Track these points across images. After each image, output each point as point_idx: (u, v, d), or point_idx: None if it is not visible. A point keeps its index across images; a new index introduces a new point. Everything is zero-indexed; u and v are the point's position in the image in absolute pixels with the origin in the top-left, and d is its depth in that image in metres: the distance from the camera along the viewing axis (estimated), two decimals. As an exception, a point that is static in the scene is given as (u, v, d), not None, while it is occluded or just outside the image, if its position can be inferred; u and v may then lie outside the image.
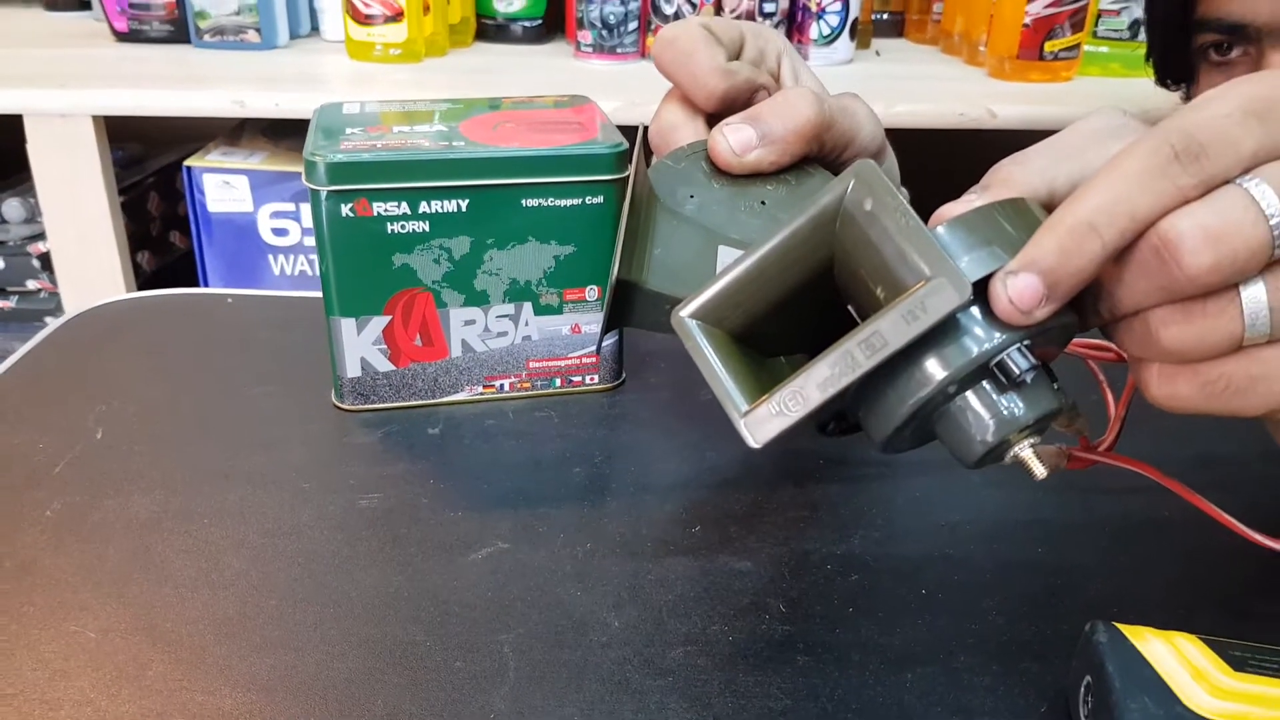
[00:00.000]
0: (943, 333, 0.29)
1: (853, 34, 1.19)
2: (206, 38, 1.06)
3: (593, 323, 0.48)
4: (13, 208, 1.04)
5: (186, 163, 0.91)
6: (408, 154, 0.43)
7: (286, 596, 0.36)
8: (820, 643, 0.34)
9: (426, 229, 0.44)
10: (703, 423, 0.47)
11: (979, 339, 0.29)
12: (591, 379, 0.49)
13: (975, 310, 0.29)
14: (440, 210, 0.44)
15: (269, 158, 0.91)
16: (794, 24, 1.19)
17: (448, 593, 0.36)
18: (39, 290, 1.03)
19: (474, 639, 0.34)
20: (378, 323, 0.46)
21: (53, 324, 0.56)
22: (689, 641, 0.34)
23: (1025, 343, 0.29)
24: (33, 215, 1.05)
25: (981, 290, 0.29)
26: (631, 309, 0.35)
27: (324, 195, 0.43)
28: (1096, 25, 1.17)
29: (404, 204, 0.43)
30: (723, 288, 0.32)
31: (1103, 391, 0.39)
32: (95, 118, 0.88)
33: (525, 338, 0.47)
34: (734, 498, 0.42)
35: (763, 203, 0.36)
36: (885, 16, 1.39)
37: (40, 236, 1.00)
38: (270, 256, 0.93)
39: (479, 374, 0.48)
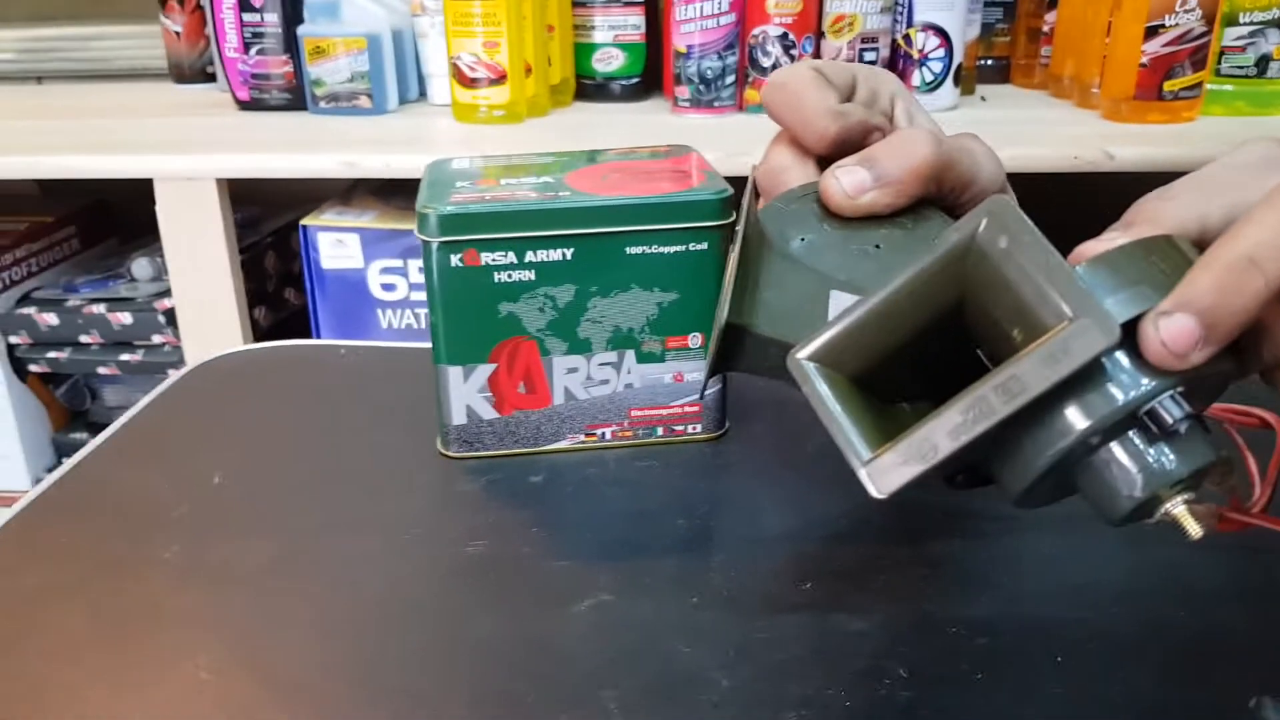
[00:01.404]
0: (1087, 378, 0.27)
1: (956, 80, 1.18)
2: (322, 104, 1.11)
3: (695, 370, 0.47)
4: (142, 267, 1.10)
5: (302, 221, 0.95)
6: (514, 205, 0.43)
7: (395, 644, 0.35)
8: (947, 711, 0.32)
9: (532, 278, 0.44)
10: (810, 473, 0.45)
11: (1127, 385, 0.27)
12: (694, 428, 0.48)
13: (1123, 355, 0.27)
14: (546, 259, 0.44)
15: (379, 216, 0.94)
16: (896, 71, 1.18)
17: (553, 644, 0.35)
18: (163, 344, 1.08)
19: (579, 693, 0.33)
20: (483, 371, 0.46)
21: (175, 375, 0.58)
22: (804, 705, 0.32)
23: (1179, 389, 0.27)
24: (159, 274, 1.10)
25: (1129, 334, 0.27)
26: (738, 354, 0.34)
27: (435, 246, 0.43)
28: (1219, 63, 1.12)
29: (511, 253, 0.44)
30: (844, 329, 0.31)
31: (1241, 451, 0.36)
32: (219, 180, 0.92)
33: (627, 385, 0.47)
34: (846, 553, 0.40)
35: (877, 246, 0.35)
36: (990, 62, 1.37)
37: (166, 293, 1.06)
38: (379, 310, 0.96)
39: (581, 422, 0.47)
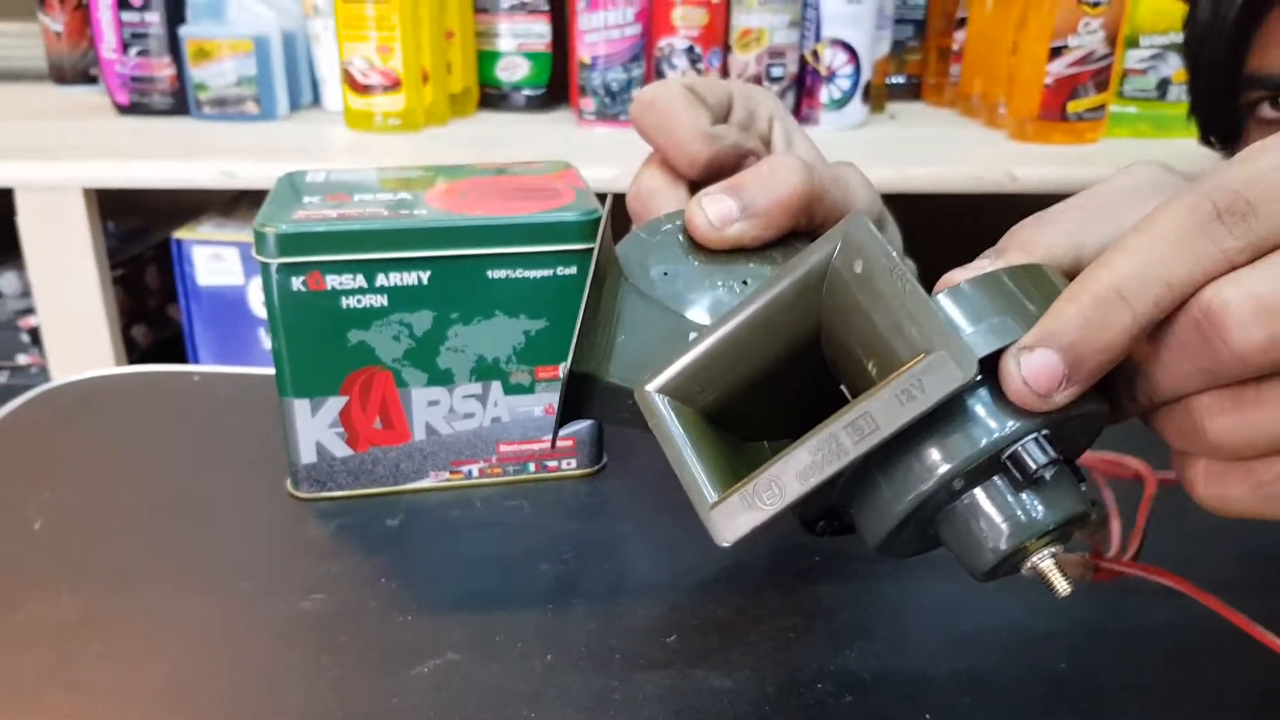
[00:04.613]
0: (945, 417, 0.24)
1: (865, 97, 1.17)
2: (206, 109, 1.06)
3: (569, 402, 0.44)
4: (9, 281, 1.03)
5: (175, 235, 0.90)
6: (362, 224, 0.39)
7: (207, 715, 0.31)
8: (808, 782, 0.29)
9: (385, 303, 0.41)
10: (686, 515, 0.41)
11: (988, 427, 0.24)
12: (569, 464, 0.45)
13: (985, 392, 0.25)
14: (399, 283, 0.40)
15: (264, 228, 0.90)
16: (803, 88, 1.17)
17: (384, 714, 0.32)
18: (29, 365, 1.02)
19: (408, 774, 0.29)
20: (334, 404, 0.42)
21: (11, 403, 0.53)
22: (655, 778, 0.29)
23: (1043, 433, 0.25)
24: (26, 289, 1.03)
25: (992, 370, 0.24)
26: (589, 403, 0.31)
27: (274, 268, 0.40)
28: (1122, 85, 1.14)
29: (360, 276, 0.40)
30: (694, 359, 0.28)
31: (1107, 505, 0.34)
32: (86, 190, 0.87)
33: (494, 419, 0.44)
34: (718, 602, 0.37)
35: (745, 283, 0.33)
36: (902, 80, 1.37)
37: (33, 310, 0.99)
38: (261, 330, 0.91)
39: (445, 459, 0.44)
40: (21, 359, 1.01)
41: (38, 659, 0.34)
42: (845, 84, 1.15)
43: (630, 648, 0.35)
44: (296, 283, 0.40)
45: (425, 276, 0.40)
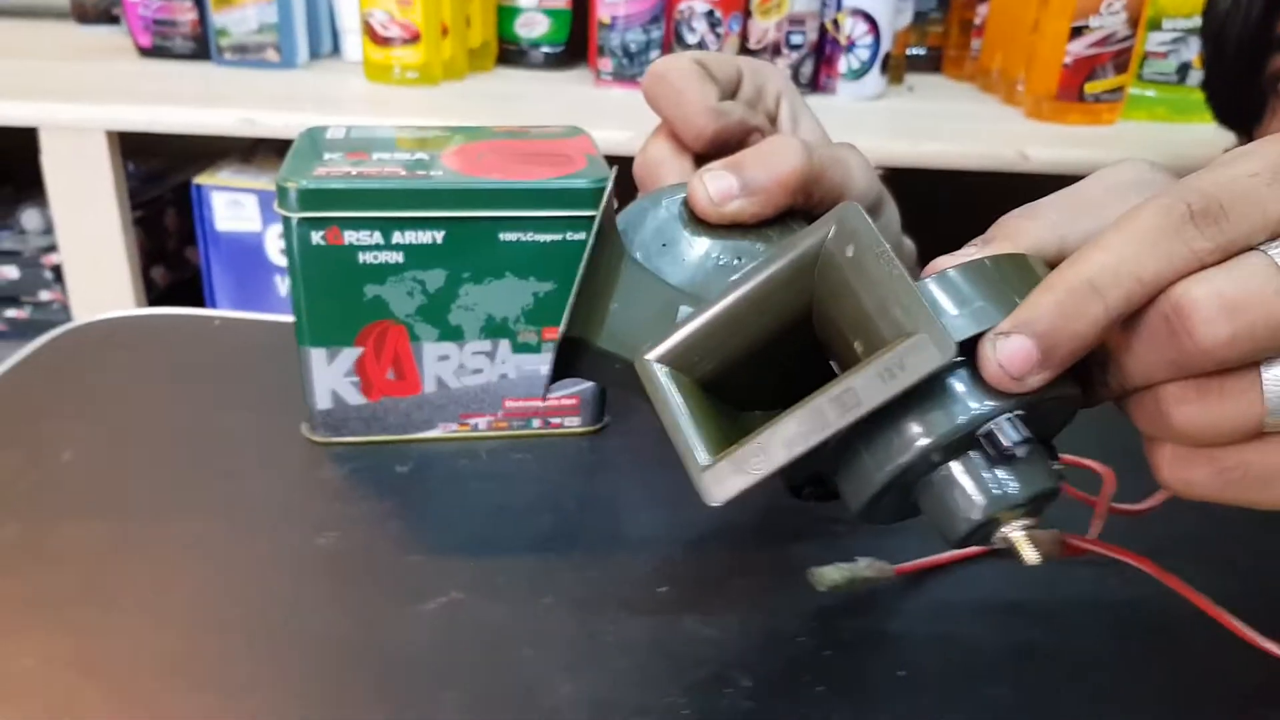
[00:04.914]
0: (926, 395, 0.26)
1: (884, 69, 1.17)
2: (227, 55, 1.06)
3: (575, 362, 0.46)
4: (31, 218, 1.05)
5: (195, 180, 0.91)
6: (380, 183, 0.41)
7: (230, 635, 0.34)
8: (783, 724, 0.31)
9: (400, 260, 0.42)
10: (684, 475, 0.44)
11: (965, 405, 0.26)
12: (572, 421, 0.47)
13: (964, 373, 0.26)
14: (414, 241, 0.42)
15: (282, 177, 0.91)
16: (822, 57, 1.17)
17: (394, 644, 0.34)
18: (51, 301, 1.04)
19: (415, 695, 0.32)
20: (349, 354, 0.44)
21: (37, 341, 0.55)
22: (641, 712, 0.31)
23: (1017, 413, 0.26)
24: (50, 227, 1.05)
25: (971, 353, 0.26)
26: (579, 364, 0.33)
27: (295, 222, 0.41)
28: (1142, 68, 1.14)
29: (376, 233, 0.42)
30: (693, 332, 0.30)
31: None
32: (109, 133, 0.88)
33: (502, 376, 0.45)
34: (709, 557, 0.39)
35: (739, 259, 0.34)
36: (923, 52, 1.37)
37: (55, 248, 1.01)
38: (277, 277, 0.93)
39: (453, 411, 0.46)
40: (44, 295, 1.03)
41: (69, 579, 0.36)
42: (864, 54, 1.15)
43: (624, 595, 0.37)
44: (316, 237, 0.41)
45: (440, 236, 0.42)
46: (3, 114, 0.88)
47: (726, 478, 0.27)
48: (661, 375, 0.30)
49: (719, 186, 0.34)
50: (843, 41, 1.14)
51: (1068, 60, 1.07)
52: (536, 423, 0.47)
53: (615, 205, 0.35)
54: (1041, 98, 1.11)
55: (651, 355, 0.30)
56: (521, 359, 0.45)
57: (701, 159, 0.38)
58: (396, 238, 0.42)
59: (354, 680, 0.32)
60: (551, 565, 0.38)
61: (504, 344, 0.45)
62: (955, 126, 1.08)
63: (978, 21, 1.29)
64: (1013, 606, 0.37)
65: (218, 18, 1.05)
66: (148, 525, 0.39)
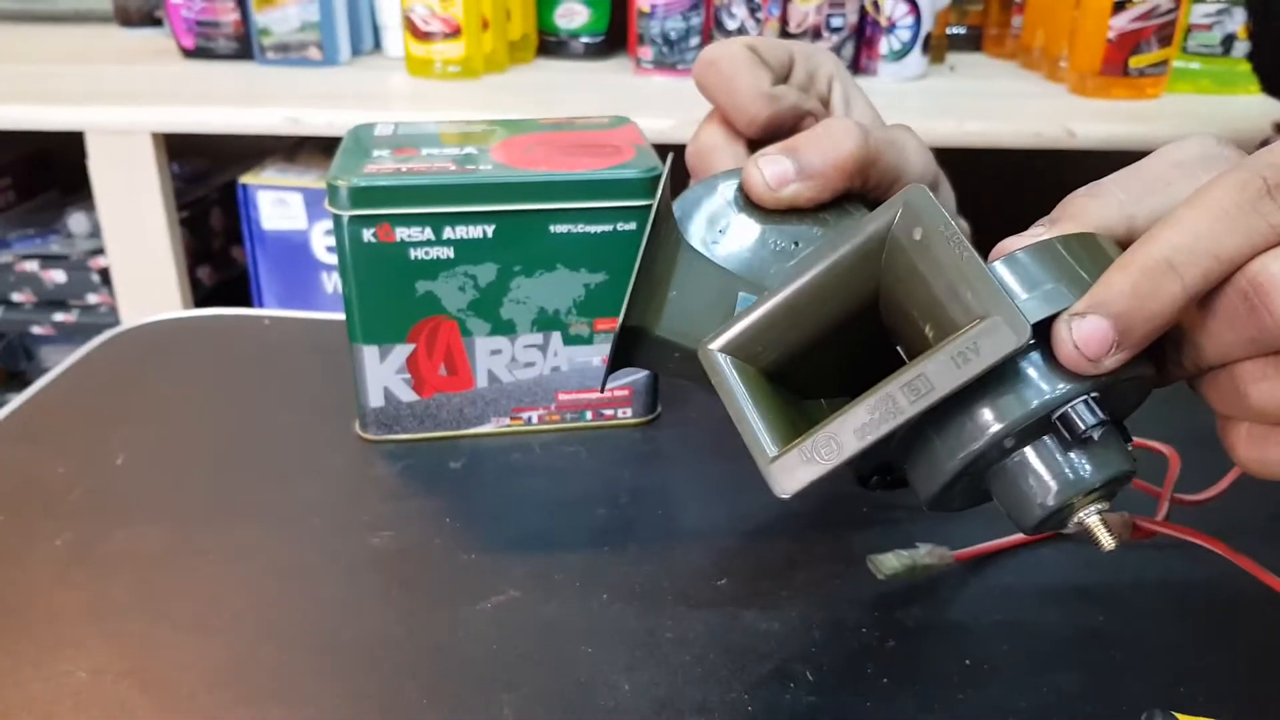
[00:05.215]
0: (999, 379, 0.25)
1: (925, 49, 1.15)
2: (270, 55, 1.07)
3: (625, 354, 0.46)
4: (79, 221, 1.06)
5: (241, 179, 0.92)
6: (430, 179, 0.41)
7: (283, 643, 0.34)
8: (849, 717, 0.31)
9: (451, 255, 0.42)
10: (738, 464, 0.43)
11: (1039, 389, 0.25)
12: (624, 413, 0.47)
13: (1037, 356, 0.26)
14: (465, 236, 0.42)
15: (324, 175, 0.92)
16: (863, 39, 1.15)
17: (450, 645, 0.34)
18: (99, 304, 1.05)
19: (472, 698, 0.32)
20: (401, 351, 0.44)
21: (88, 345, 0.56)
22: (703, 710, 0.31)
23: (1093, 395, 0.25)
24: (97, 230, 1.07)
25: (1044, 335, 0.25)
26: (638, 353, 0.33)
27: (346, 220, 0.41)
28: (1186, 40, 1.11)
29: (427, 229, 0.42)
30: (757, 320, 0.29)
31: None
32: (155, 135, 0.89)
33: (554, 369, 0.45)
34: (767, 548, 0.39)
35: (796, 243, 0.34)
36: (963, 31, 1.34)
37: (102, 251, 1.02)
38: (324, 274, 0.93)
39: (506, 405, 0.46)
40: (91, 298, 1.05)
41: (122, 588, 0.36)
42: (905, 35, 1.13)
43: (681, 589, 0.36)
44: (367, 234, 0.41)
45: (490, 230, 0.42)
46: (49, 119, 0.90)
47: (796, 468, 0.27)
48: (726, 365, 0.29)
49: (775, 171, 0.33)
50: (883, 23, 1.13)
51: (1111, 35, 1.05)
52: (589, 415, 0.47)
53: (670, 192, 0.34)
54: (1085, 73, 1.08)
55: (715, 345, 0.29)
56: (573, 351, 0.45)
57: (755, 145, 0.37)
58: (447, 233, 0.42)
59: (409, 684, 0.32)
60: (606, 560, 0.38)
61: (556, 336, 0.44)
62: (999, 105, 1.06)
63: (1019, -2, 1.26)
64: (1077, 591, 0.36)
65: (260, 17, 1.06)
66: (200, 531, 0.39)
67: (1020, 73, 1.23)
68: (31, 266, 1.04)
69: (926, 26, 1.14)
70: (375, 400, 0.45)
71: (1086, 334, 0.24)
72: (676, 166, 0.38)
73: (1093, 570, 0.37)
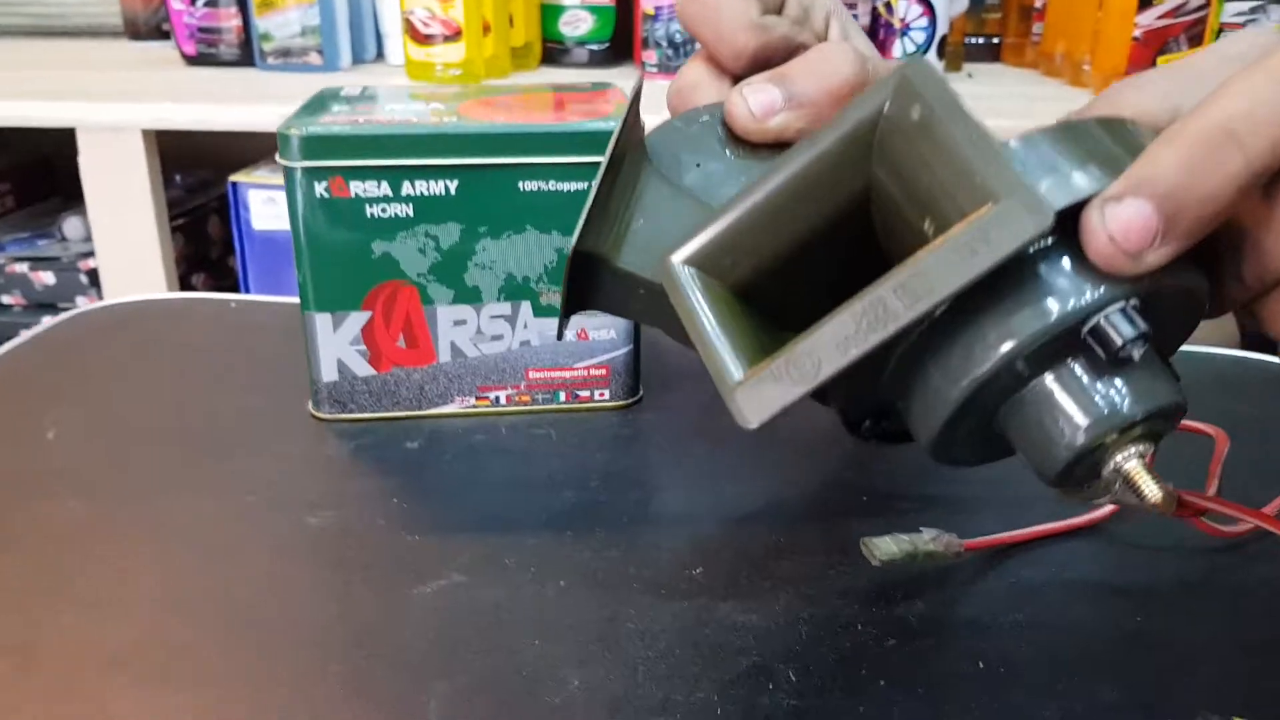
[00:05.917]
0: (1014, 284, 0.21)
1: (940, 52, 1.12)
2: (271, 60, 1.06)
3: (603, 328, 0.42)
4: (74, 226, 1.04)
5: (232, 178, 0.89)
6: (388, 129, 0.37)
7: (192, 622, 0.30)
8: (835, 723, 0.26)
9: (410, 213, 0.39)
10: (724, 450, 0.39)
11: (1064, 294, 0.21)
12: (602, 394, 0.43)
13: (1062, 254, 0.21)
14: (426, 192, 0.38)
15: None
16: (875, 41, 1.12)
17: (381, 630, 0.30)
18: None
19: (397, 687, 0.27)
20: (356, 319, 0.40)
21: (45, 324, 0.53)
22: (665, 711, 0.27)
23: (1132, 303, 0.20)
24: (90, 235, 1.05)
25: (1072, 228, 0.21)
26: (597, 291, 0.28)
27: (297, 173, 0.38)
28: (1217, 39, 1.07)
29: (384, 184, 0.38)
30: (727, 227, 0.24)
31: None
32: (145, 132, 0.87)
33: (524, 343, 0.41)
34: (751, 535, 0.34)
35: None
36: (980, 41, 1.31)
37: (94, 254, 1.00)
38: (315, 276, 0.90)
39: (471, 383, 0.42)
40: (80, 301, 1.03)
41: (24, 561, 0.33)
42: (920, 37, 1.10)
43: (650, 577, 0.32)
44: (320, 188, 0.38)
45: (453, 186, 0.38)
46: (41, 115, 0.88)
47: (765, 390, 0.22)
48: (690, 279, 0.24)
49: (762, 100, 0.29)
50: (896, 24, 1.09)
51: (1137, 34, 1.01)
52: (563, 396, 0.42)
53: (642, 121, 0.30)
54: (1110, 75, 1.04)
55: (678, 256, 0.25)
56: (545, 324, 0.41)
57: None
58: (406, 189, 0.38)
59: (328, 669, 0.28)
60: (568, 545, 0.34)
61: (525, 307, 0.41)
62: (1022, 108, 1.02)
63: (1038, 5, 1.23)
64: (1108, 588, 0.32)
65: (261, 22, 1.04)
66: (124, 508, 0.36)
67: (1042, 80, 1.19)
68: (22, 268, 1.02)
69: (941, 29, 1.10)
70: (328, 374, 0.41)
71: (1125, 221, 0.19)
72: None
73: (1126, 567, 0.33)
